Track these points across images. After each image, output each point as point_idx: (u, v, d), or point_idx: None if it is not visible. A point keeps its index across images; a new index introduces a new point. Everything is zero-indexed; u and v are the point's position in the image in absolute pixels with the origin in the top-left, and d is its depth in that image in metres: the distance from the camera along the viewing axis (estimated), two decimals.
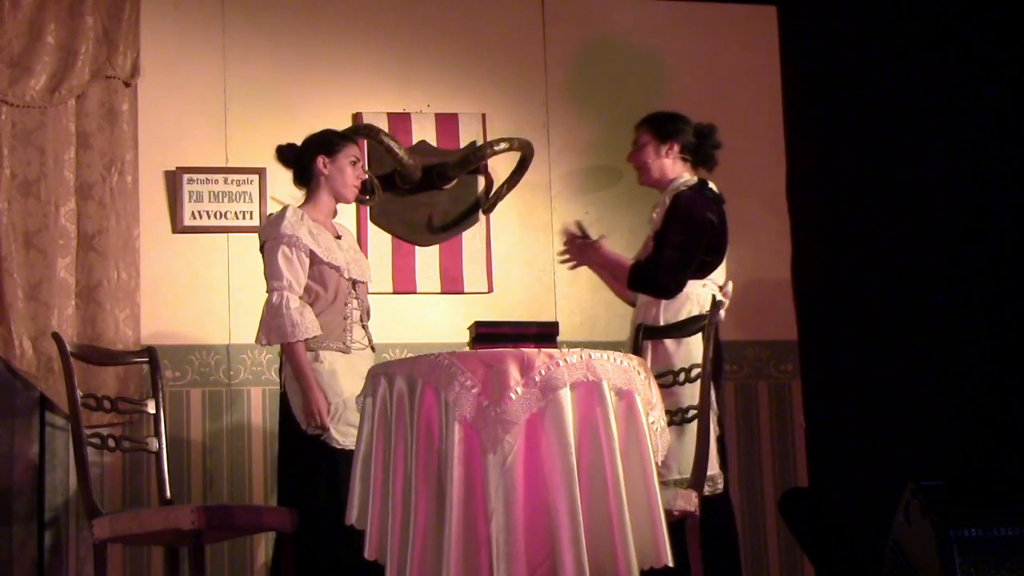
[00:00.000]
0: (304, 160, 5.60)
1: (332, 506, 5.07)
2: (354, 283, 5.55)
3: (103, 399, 5.55)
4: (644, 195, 5.94)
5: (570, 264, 5.98)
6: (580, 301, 6.54)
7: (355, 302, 5.53)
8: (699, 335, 5.40)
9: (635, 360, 4.54)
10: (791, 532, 6.49)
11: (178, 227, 6.28)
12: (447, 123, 6.61)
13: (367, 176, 5.87)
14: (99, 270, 6.11)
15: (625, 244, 6.21)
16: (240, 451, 6.21)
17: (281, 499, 5.46)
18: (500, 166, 6.58)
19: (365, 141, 6.34)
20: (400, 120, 6.54)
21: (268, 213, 6.07)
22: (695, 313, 5.50)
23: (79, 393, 5.35)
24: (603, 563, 4.28)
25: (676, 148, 5.75)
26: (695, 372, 5.25)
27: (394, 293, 6.43)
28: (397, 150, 6.34)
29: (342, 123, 6.28)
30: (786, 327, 6.74)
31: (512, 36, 6.73)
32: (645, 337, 5.50)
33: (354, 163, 5.62)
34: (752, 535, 6.54)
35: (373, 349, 5.59)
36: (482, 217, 6.59)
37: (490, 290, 6.54)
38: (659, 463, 4.53)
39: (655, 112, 5.88)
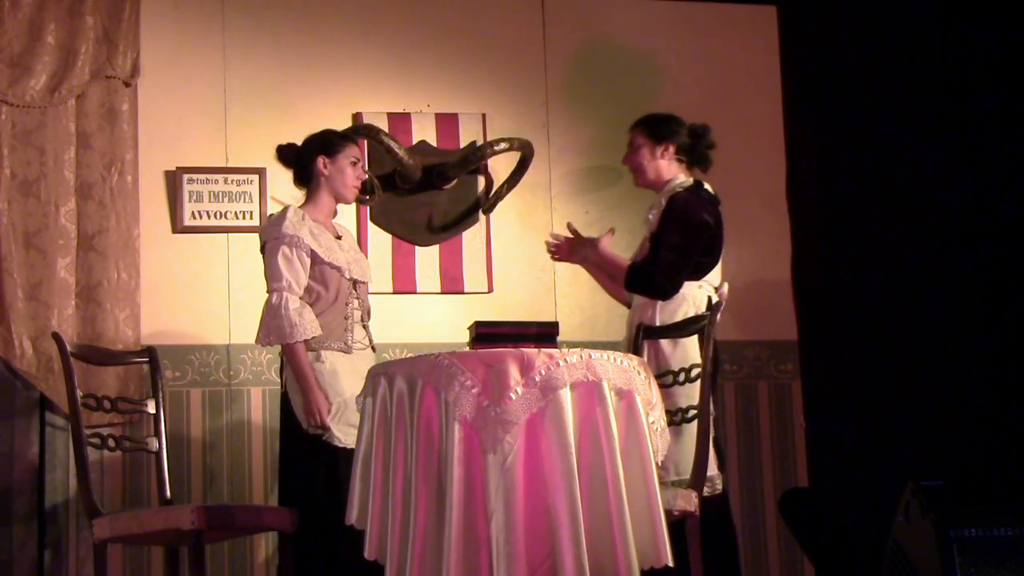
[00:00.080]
0: (304, 160, 5.60)
1: (333, 506, 5.07)
2: (355, 283, 5.55)
3: (103, 399, 5.55)
4: (644, 195, 5.94)
5: (557, 257, 5.96)
6: (580, 301, 6.54)
7: (356, 302, 5.53)
8: (694, 336, 5.41)
9: (635, 360, 4.54)
10: (791, 532, 6.49)
11: (178, 227, 6.28)
12: (447, 123, 6.61)
13: (367, 176, 5.87)
14: (99, 270, 6.11)
15: (625, 244, 6.21)
16: (240, 451, 6.21)
17: (282, 499, 5.47)
18: (500, 166, 6.58)
19: (365, 141, 6.34)
20: (400, 120, 6.54)
21: (268, 213, 6.07)
22: (691, 314, 5.51)
23: (79, 393, 5.35)
24: (603, 563, 4.28)
25: (671, 149, 5.75)
26: (695, 372, 5.25)
27: (394, 293, 6.43)
28: (397, 150, 6.34)
29: (342, 123, 6.28)
30: (786, 327, 6.74)
31: (512, 36, 6.73)
32: (645, 337, 5.50)
33: (354, 163, 5.62)
34: (752, 535, 6.54)
35: (374, 349, 5.59)
36: (482, 217, 6.59)
37: (490, 290, 6.54)
38: (659, 463, 4.53)
39: (649, 113, 5.88)
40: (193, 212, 6.29)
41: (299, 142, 5.66)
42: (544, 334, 4.67)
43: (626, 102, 6.55)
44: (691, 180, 5.72)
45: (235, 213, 6.32)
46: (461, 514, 4.23)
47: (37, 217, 6.08)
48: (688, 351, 5.47)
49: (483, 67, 6.68)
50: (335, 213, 5.69)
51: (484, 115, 6.63)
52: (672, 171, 5.76)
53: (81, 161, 6.16)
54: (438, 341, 6.18)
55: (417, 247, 6.51)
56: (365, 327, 5.56)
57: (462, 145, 6.58)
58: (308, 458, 5.35)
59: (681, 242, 5.57)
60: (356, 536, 4.52)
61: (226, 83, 6.41)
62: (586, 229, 6.10)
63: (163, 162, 6.30)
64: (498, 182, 6.59)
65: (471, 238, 6.57)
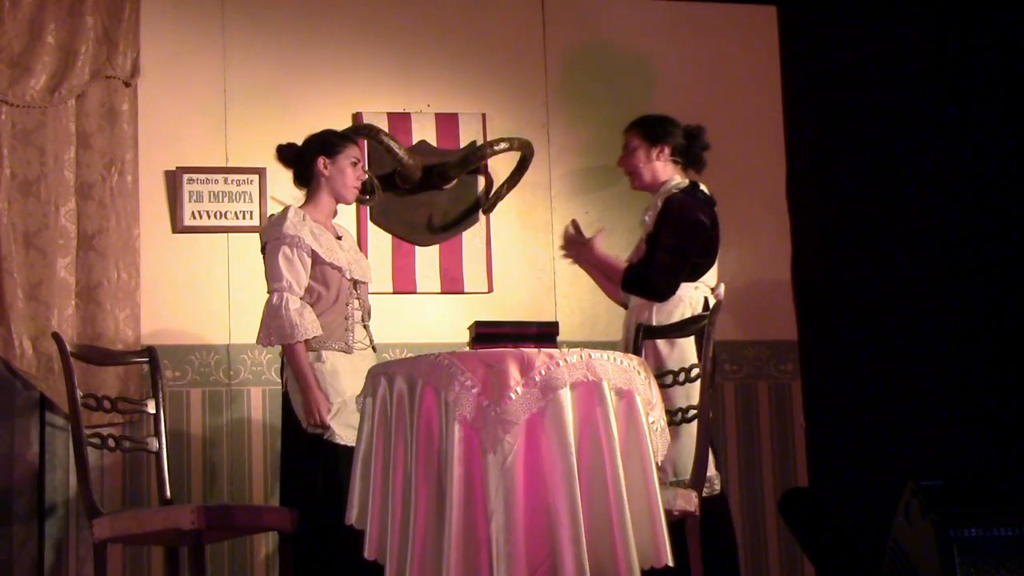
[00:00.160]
0: (305, 161, 5.60)
1: (334, 506, 5.07)
2: (355, 283, 5.55)
3: (103, 399, 5.55)
4: (644, 195, 5.93)
5: (569, 260, 5.98)
6: (580, 301, 6.54)
7: (356, 302, 5.53)
8: (691, 338, 5.42)
9: (635, 360, 4.54)
10: (791, 532, 6.49)
11: (178, 227, 6.28)
12: (447, 123, 6.61)
13: (367, 176, 5.87)
14: (99, 270, 6.11)
15: (625, 244, 6.21)
16: (240, 451, 6.21)
17: (283, 499, 5.47)
18: (500, 166, 6.58)
19: (365, 141, 6.34)
20: (400, 120, 6.54)
21: (269, 213, 6.08)
22: (688, 315, 5.51)
23: (79, 393, 5.35)
24: (603, 563, 4.28)
25: (667, 151, 5.76)
26: (694, 373, 5.25)
27: (394, 293, 6.43)
28: (397, 150, 6.34)
29: (342, 123, 6.28)
30: (786, 327, 6.74)
31: (512, 36, 6.73)
32: (645, 337, 5.50)
33: (355, 164, 5.62)
34: (752, 535, 6.55)
35: (375, 349, 5.59)
36: (482, 217, 6.59)
37: (490, 290, 6.54)
38: (659, 463, 4.53)
39: (644, 115, 5.88)
40: (193, 212, 6.29)
41: (299, 142, 5.66)
42: (544, 334, 4.67)
43: (626, 102, 6.55)
44: (687, 181, 5.73)
45: (235, 213, 6.32)
46: (461, 514, 4.23)
47: (37, 217, 6.08)
48: (685, 352, 5.47)
49: (483, 67, 6.68)
50: (335, 213, 5.69)
51: (484, 115, 6.63)
52: (668, 172, 5.76)
53: (81, 161, 6.16)
54: (438, 341, 6.18)
55: (417, 247, 6.51)
56: (366, 327, 5.56)
57: (462, 145, 6.58)
58: (309, 458, 5.35)
59: (677, 243, 5.57)
60: (356, 536, 4.52)
61: (226, 83, 6.41)
62: (586, 229, 6.09)
63: (163, 162, 6.30)
64: (498, 182, 6.59)
65: (471, 238, 6.57)
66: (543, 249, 6.51)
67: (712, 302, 5.59)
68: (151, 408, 5.65)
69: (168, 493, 5.56)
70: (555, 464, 4.26)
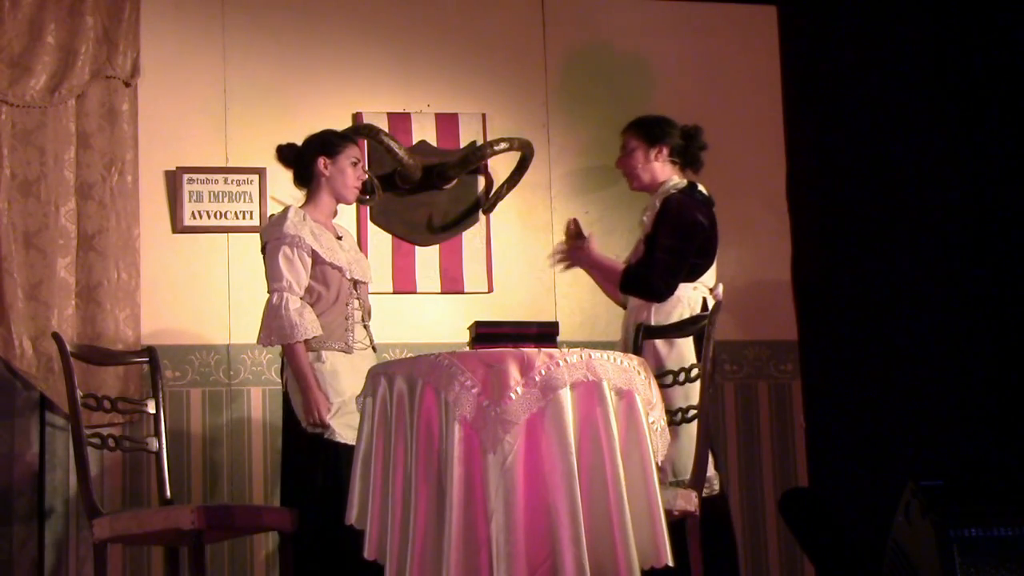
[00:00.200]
0: (305, 161, 5.60)
1: (336, 506, 5.06)
2: (355, 283, 5.55)
3: (103, 399, 5.55)
4: (644, 195, 5.94)
5: (564, 265, 5.98)
6: (580, 301, 6.54)
7: (356, 302, 5.53)
8: (689, 338, 5.42)
9: (635, 360, 4.55)
10: (791, 532, 6.49)
11: (178, 227, 6.28)
12: (447, 123, 6.61)
13: (367, 176, 5.87)
14: (99, 270, 6.11)
15: (625, 244, 6.21)
16: (240, 451, 6.21)
17: (284, 499, 5.47)
18: (500, 166, 6.58)
19: (365, 141, 6.34)
20: (400, 120, 6.54)
21: (269, 214, 6.08)
22: (686, 316, 5.52)
23: (79, 393, 5.35)
24: (603, 563, 4.28)
25: (665, 151, 5.76)
26: (694, 373, 5.25)
27: (394, 293, 6.43)
28: (397, 150, 6.34)
29: (342, 123, 6.28)
30: (786, 327, 6.74)
31: (512, 36, 6.73)
32: (645, 337, 5.51)
33: (355, 164, 5.62)
34: (752, 535, 6.54)
35: (375, 349, 5.59)
36: (482, 217, 6.59)
37: (490, 290, 6.54)
38: (659, 463, 4.53)
39: (641, 116, 5.88)
40: (193, 212, 6.29)
41: (299, 142, 5.66)
42: (544, 334, 4.67)
43: (626, 102, 6.55)
44: (685, 182, 5.73)
45: (235, 213, 6.32)
46: (461, 514, 4.23)
47: (37, 217, 6.08)
48: (683, 352, 5.47)
49: (483, 67, 6.68)
50: (335, 213, 5.69)
51: (484, 115, 6.63)
52: (666, 173, 5.76)
53: (81, 161, 6.16)
54: (438, 341, 6.18)
55: (417, 247, 6.51)
56: (366, 327, 5.57)
57: (462, 145, 6.58)
58: (309, 458, 5.35)
59: (675, 244, 5.57)
60: (357, 536, 4.52)
61: (226, 83, 6.41)
62: (586, 229, 6.09)
63: (163, 162, 6.30)
64: (498, 182, 6.59)
65: (471, 238, 6.57)
66: (543, 249, 6.50)
67: (711, 302, 5.60)
68: (151, 408, 5.65)
69: (168, 493, 5.56)
70: (555, 464, 4.26)
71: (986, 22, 6.84)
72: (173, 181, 6.30)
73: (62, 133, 6.14)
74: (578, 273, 6.13)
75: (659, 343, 5.51)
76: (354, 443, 4.76)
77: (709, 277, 5.68)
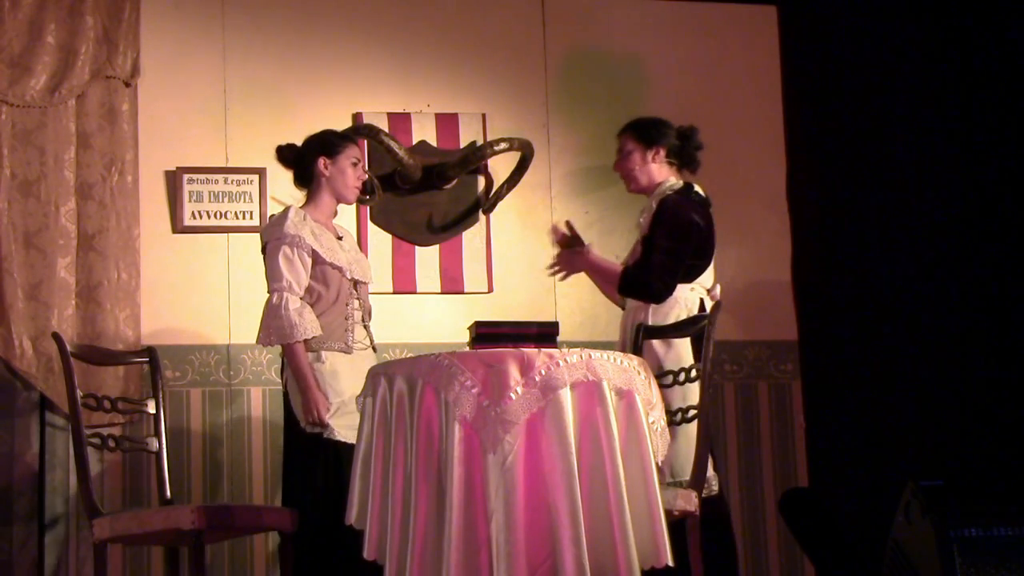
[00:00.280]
0: (305, 161, 5.60)
1: (337, 506, 5.06)
2: (356, 283, 5.55)
3: (103, 399, 5.56)
4: (643, 196, 5.94)
5: (561, 275, 5.98)
6: (580, 301, 6.54)
7: (356, 302, 5.53)
8: (687, 339, 5.42)
9: (635, 360, 4.55)
10: (791, 532, 6.49)
11: (178, 227, 6.28)
12: (447, 123, 6.61)
13: (368, 176, 5.87)
14: (99, 270, 6.11)
15: (624, 244, 6.21)
16: (240, 451, 6.21)
17: (286, 499, 5.47)
18: (500, 166, 6.58)
19: (365, 141, 6.34)
20: (400, 120, 6.54)
21: (269, 214, 6.08)
22: (683, 317, 5.52)
23: (79, 393, 5.36)
24: (603, 563, 4.28)
25: (662, 153, 5.76)
26: (694, 373, 5.25)
27: (394, 293, 6.43)
28: (397, 150, 6.34)
29: (342, 123, 6.28)
30: (786, 327, 6.74)
31: (512, 36, 6.73)
32: (646, 337, 5.51)
33: (355, 164, 5.62)
34: (752, 535, 6.55)
35: (375, 349, 5.59)
36: (482, 217, 6.59)
37: (490, 290, 6.54)
38: (659, 463, 4.53)
39: (636, 118, 5.88)
40: (193, 212, 6.29)
41: (299, 142, 5.66)
42: (544, 334, 4.67)
43: (626, 102, 6.55)
44: (681, 183, 5.73)
45: (235, 213, 6.32)
46: (461, 514, 4.23)
47: (37, 217, 6.08)
48: (681, 353, 5.48)
49: (483, 67, 6.68)
50: (336, 213, 5.69)
51: (484, 115, 6.63)
52: (663, 174, 5.76)
53: (81, 161, 6.16)
54: (438, 341, 6.18)
55: (417, 247, 6.51)
56: (366, 327, 5.57)
57: (462, 145, 6.58)
58: (309, 458, 5.35)
59: (672, 245, 5.57)
60: (357, 536, 4.52)
61: (226, 83, 6.41)
62: (586, 229, 6.10)
63: (163, 162, 6.30)
64: (498, 182, 6.59)
65: (471, 238, 6.57)
66: (543, 249, 6.50)
67: (708, 303, 5.60)
68: (151, 408, 5.65)
69: (168, 493, 5.57)
70: (555, 464, 4.26)
71: (986, 22, 6.84)
72: (173, 181, 6.30)
73: (62, 133, 6.14)
74: (578, 273, 6.12)
75: (657, 343, 5.51)
76: (354, 443, 4.76)
77: (707, 278, 5.68)
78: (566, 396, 4.32)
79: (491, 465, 4.25)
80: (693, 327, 5.40)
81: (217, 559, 6.05)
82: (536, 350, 4.38)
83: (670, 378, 5.30)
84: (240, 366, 6.24)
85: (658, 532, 4.36)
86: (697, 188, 5.73)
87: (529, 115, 6.68)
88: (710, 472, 5.39)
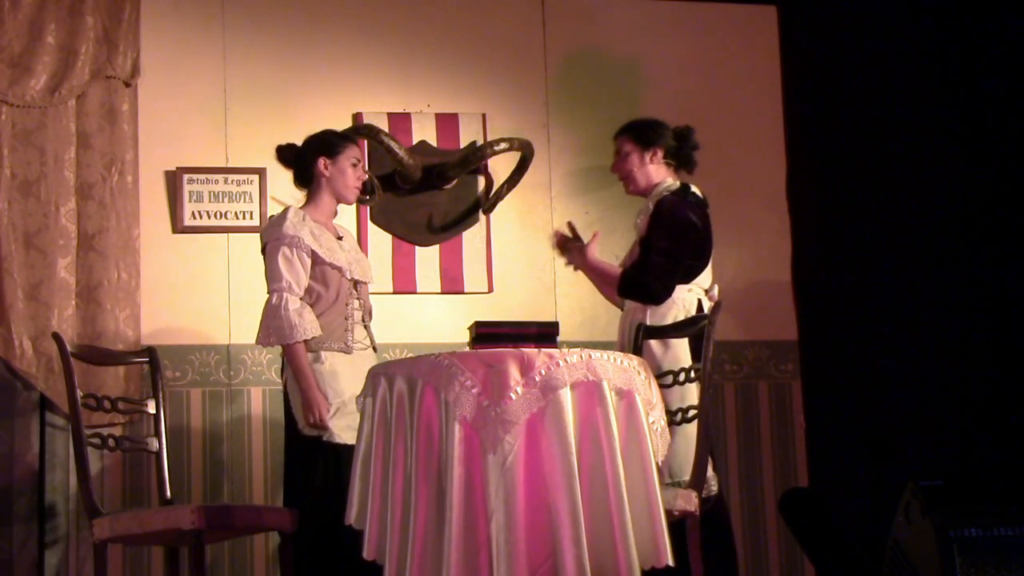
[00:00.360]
0: (305, 161, 5.60)
1: (336, 505, 5.06)
2: (356, 283, 5.55)
3: (103, 399, 5.55)
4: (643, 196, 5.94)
5: (565, 260, 6.00)
6: (580, 301, 6.54)
7: (356, 302, 5.53)
8: (685, 340, 5.43)
9: (635, 360, 4.55)
10: (791, 532, 6.49)
11: (178, 227, 6.28)
12: (447, 123, 6.61)
13: (368, 177, 5.87)
14: (99, 270, 6.11)
15: (624, 244, 6.21)
16: (240, 451, 6.21)
17: (287, 499, 5.47)
18: (500, 166, 6.58)
19: (365, 141, 6.34)
20: (400, 120, 6.54)
21: (269, 214, 6.08)
22: (680, 317, 5.52)
23: (79, 393, 5.35)
24: (604, 563, 4.28)
25: (659, 154, 5.76)
26: (693, 373, 5.25)
27: (394, 293, 6.43)
28: (397, 150, 6.34)
29: (342, 123, 6.28)
30: (786, 327, 6.74)
31: (512, 36, 6.73)
32: (645, 337, 5.51)
33: (355, 164, 5.62)
34: (752, 535, 6.54)
35: (375, 349, 5.59)
36: (482, 217, 6.59)
37: (490, 290, 6.54)
38: (659, 463, 4.53)
39: (633, 120, 5.88)
40: (193, 212, 6.29)
41: (299, 142, 5.66)
42: (544, 334, 4.67)
43: (626, 102, 6.56)
44: (678, 184, 5.73)
45: (235, 213, 6.32)
46: (461, 514, 4.23)
47: (37, 217, 6.08)
48: (679, 354, 5.48)
49: (483, 67, 6.68)
50: (336, 213, 5.69)
51: (484, 115, 6.63)
52: (661, 175, 5.77)
53: (81, 161, 6.16)
54: (438, 341, 6.18)
55: (417, 247, 6.51)
56: (367, 327, 5.56)
57: (462, 145, 6.58)
58: (309, 458, 5.35)
59: (670, 246, 5.58)
60: (357, 536, 4.52)
61: (226, 83, 6.41)
62: (586, 229, 6.10)
63: (163, 162, 6.30)
64: (498, 182, 6.59)
65: (471, 238, 6.57)
66: (543, 249, 6.51)
67: (706, 304, 5.60)
68: (151, 408, 5.65)
69: (168, 493, 5.56)
70: (555, 464, 4.26)
71: (986, 22, 6.84)
72: (173, 181, 6.30)
73: (62, 133, 6.14)
74: (578, 273, 6.13)
75: (655, 344, 5.51)
76: (354, 443, 4.76)
77: (705, 278, 5.68)
78: (566, 396, 4.32)
79: (491, 465, 4.25)
80: (693, 327, 5.40)
81: (217, 559, 6.05)
82: (536, 350, 4.38)
83: (670, 378, 5.30)
84: (240, 366, 6.24)
85: (658, 532, 4.36)
86: (694, 188, 5.73)
87: (529, 115, 6.68)
88: (710, 472, 5.39)
